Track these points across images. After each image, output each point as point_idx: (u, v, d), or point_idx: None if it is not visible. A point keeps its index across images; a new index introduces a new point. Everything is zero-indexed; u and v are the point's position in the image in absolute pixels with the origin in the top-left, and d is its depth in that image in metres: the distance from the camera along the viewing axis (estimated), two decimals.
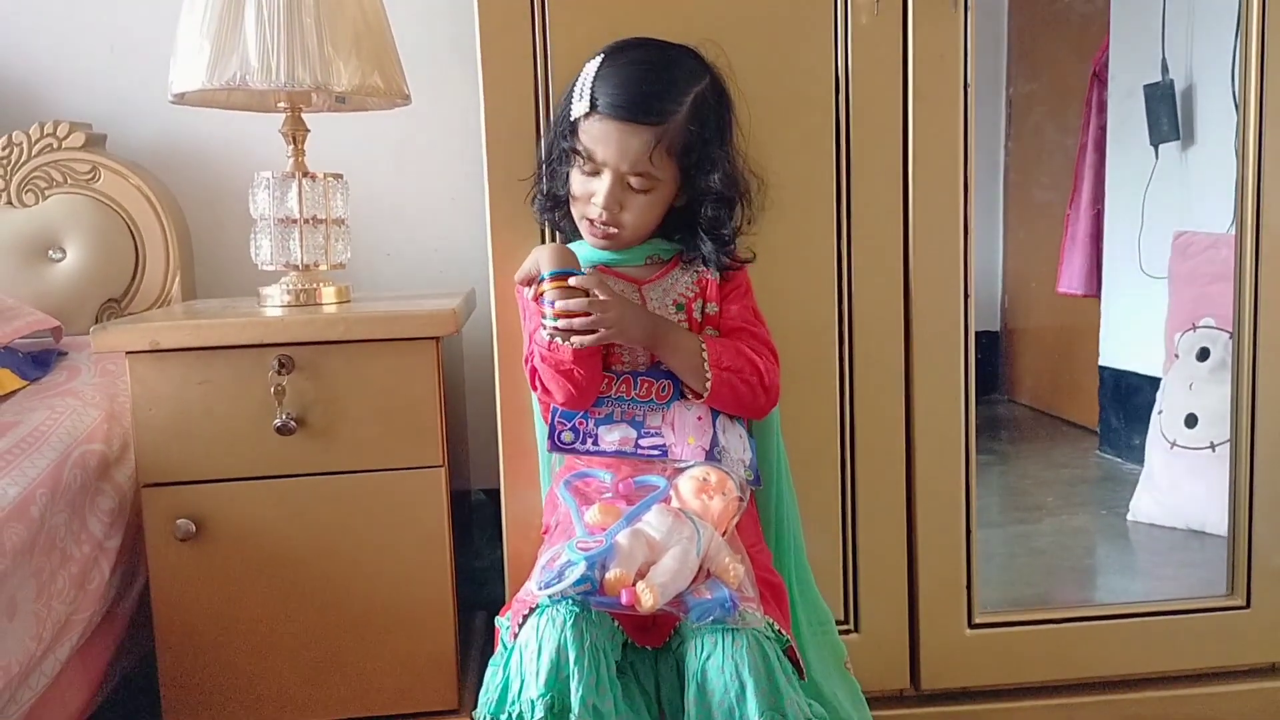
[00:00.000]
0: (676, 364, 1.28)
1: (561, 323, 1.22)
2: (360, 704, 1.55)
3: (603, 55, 1.26)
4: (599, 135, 1.23)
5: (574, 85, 1.26)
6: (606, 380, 1.29)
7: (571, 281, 1.23)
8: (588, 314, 1.21)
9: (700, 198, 1.28)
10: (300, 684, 1.53)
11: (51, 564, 1.36)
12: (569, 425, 1.29)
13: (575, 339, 1.22)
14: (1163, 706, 1.59)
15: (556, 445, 1.29)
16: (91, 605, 1.45)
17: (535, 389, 1.32)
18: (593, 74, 1.24)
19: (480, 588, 1.91)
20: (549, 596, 1.08)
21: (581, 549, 1.10)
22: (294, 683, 1.53)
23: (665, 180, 1.26)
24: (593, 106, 1.22)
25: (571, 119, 1.25)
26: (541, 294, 1.24)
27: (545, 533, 1.34)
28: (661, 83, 1.24)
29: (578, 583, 1.07)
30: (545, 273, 1.24)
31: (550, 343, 1.24)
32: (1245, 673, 1.62)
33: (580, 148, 1.24)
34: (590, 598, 1.08)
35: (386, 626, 1.54)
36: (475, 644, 1.74)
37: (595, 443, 1.28)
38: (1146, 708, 1.59)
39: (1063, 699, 1.58)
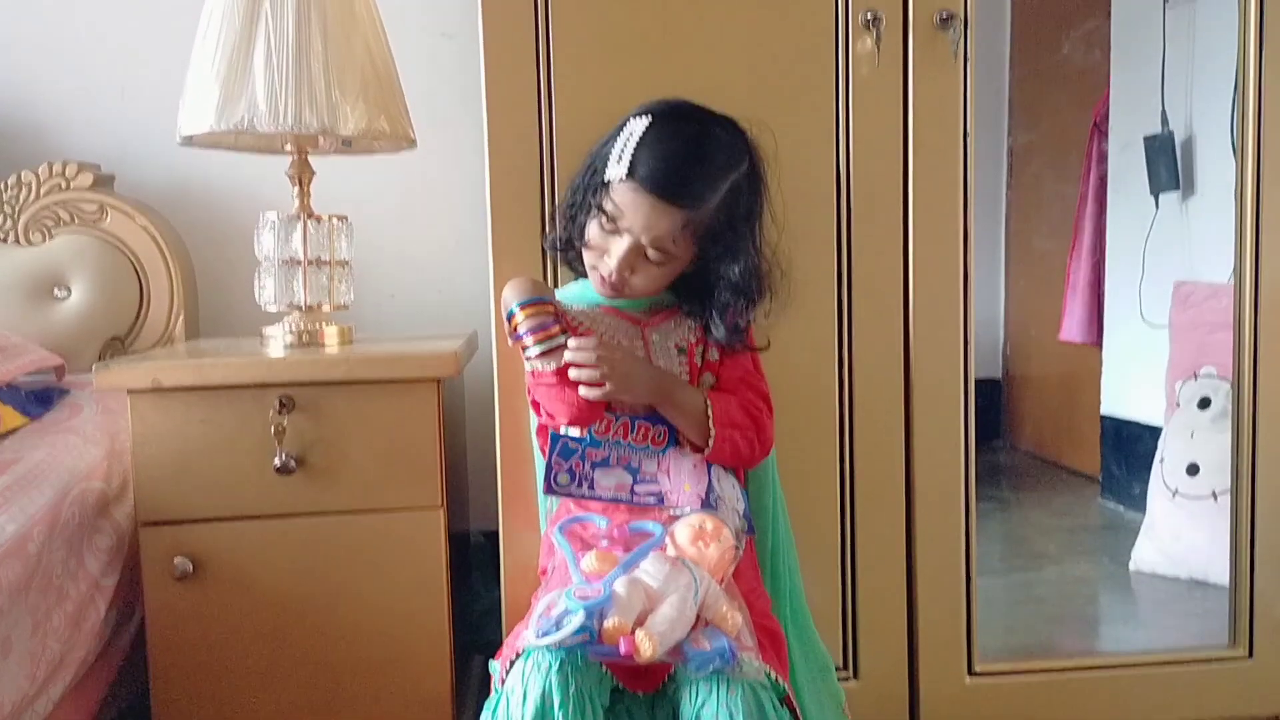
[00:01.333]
0: (680, 420, 1.28)
1: (542, 350, 1.24)
2: None
3: (650, 118, 1.23)
4: (630, 203, 1.22)
5: (614, 140, 1.24)
6: (605, 422, 1.29)
7: (578, 337, 1.25)
8: (595, 366, 1.22)
9: (717, 280, 1.28)
10: None
11: (48, 602, 1.35)
12: (565, 467, 1.29)
13: (584, 390, 1.23)
14: None
15: (552, 487, 1.29)
16: (87, 644, 1.44)
17: (541, 416, 1.32)
18: (637, 138, 1.22)
19: (478, 630, 1.89)
20: (549, 646, 1.08)
21: (580, 597, 1.09)
22: None
23: (681, 258, 1.26)
24: (630, 173, 1.21)
25: (606, 179, 1.24)
26: (516, 328, 1.25)
27: (543, 574, 1.34)
28: (703, 165, 1.22)
29: (577, 632, 1.06)
30: (514, 305, 1.26)
31: (534, 372, 1.26)
32: None
33: (608, 208, 1.23)
34: (589, 647, 1.07)
35: (383, 668, 1.53)
36: (472, 687, 1.72)
37: (591, 486, 1.28)
38: None
39: None
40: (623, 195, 1.22)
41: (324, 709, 1.52)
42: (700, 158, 1.22)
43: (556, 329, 1.25)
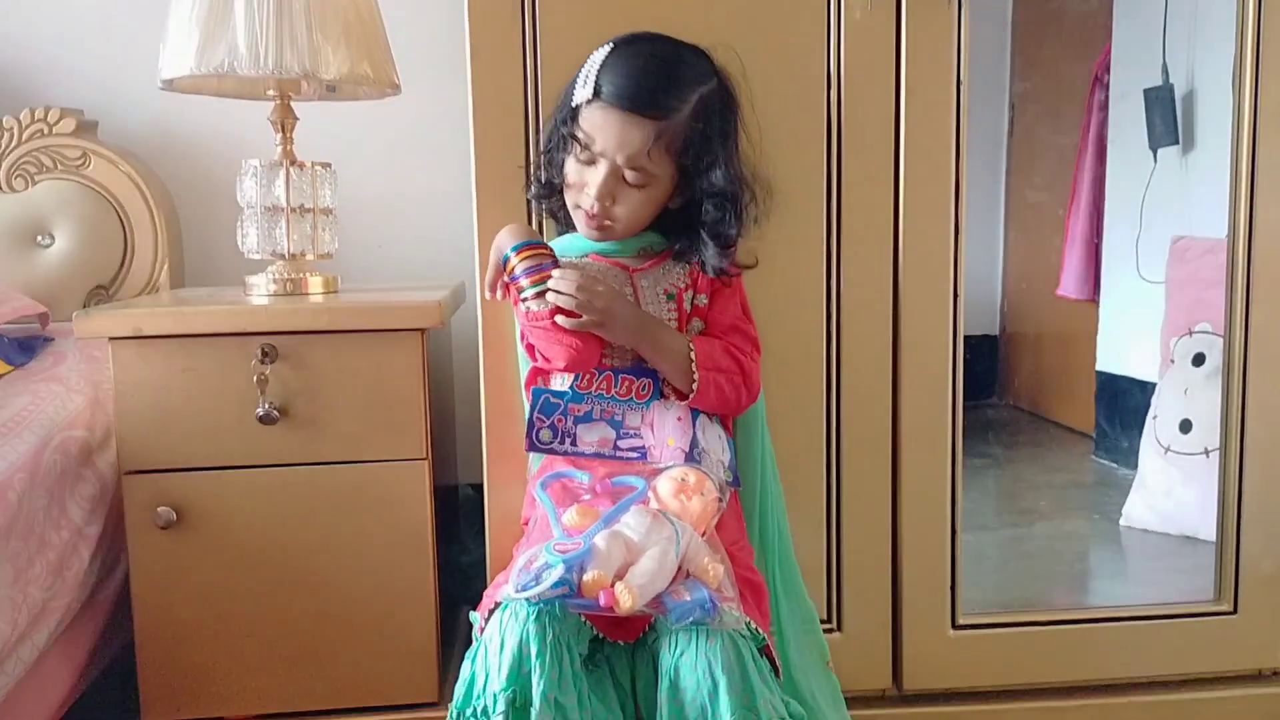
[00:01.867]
0: (663, 363, 1.27)
1: (538, 291, 1.23)
2: (341, 695, 1.54)
3: (612, 44, 1.25)
4: (599, 123, 1.22)
5: (580, 72, 1.25)
6: (588, 376, 1.28)
7: (561, 270, 1.23)
8: (574, 295, 1.21)
9: (700, 198, 1.27)
10: (281, 674, 1.52)
11: (29, 549, 1.35)
12: (547, 423, 1.27)
13: (561, 319, 1.22)
14: (1147, 712, 1.58)
15: (534, 444, 1.28)
16: (70, 592, 1.44)
17: (537, 360, 1.31)
18: (599, 61, 1.23)
19: (467, 582, 1.89)
20: (528, 600, 1.08)
21: (559, 551, 1.09)
22: (275, 673, 1.52)
23: (661, 177, 1.25)
24: (595, 93, 1.21)
25: (573, 104, 1.24)
26: (513, 271, 1.24)
27: (525, 524, 1.34)
28: (668, 78, 1.23)
29: (556, 585, 1.06)
30: (510, 249, 1.25)
31: (530, 313, 1.24)
32: (1231, 679, 1.61)
33: (579, 134, 1.23)
34: (568, 600, 1.07)
35: (368, 619, 1.53)
36: (460, 638, 1.73)
37: (574, 442, 1.27)
38: (1131, 712, 1.58)
39: (1046, 702, 1.57)
40: (591, 117, 1.22)
41: (310, 658, 1.53)
42: (665, 70, 1.22)
43: (552, 271, 1.24)
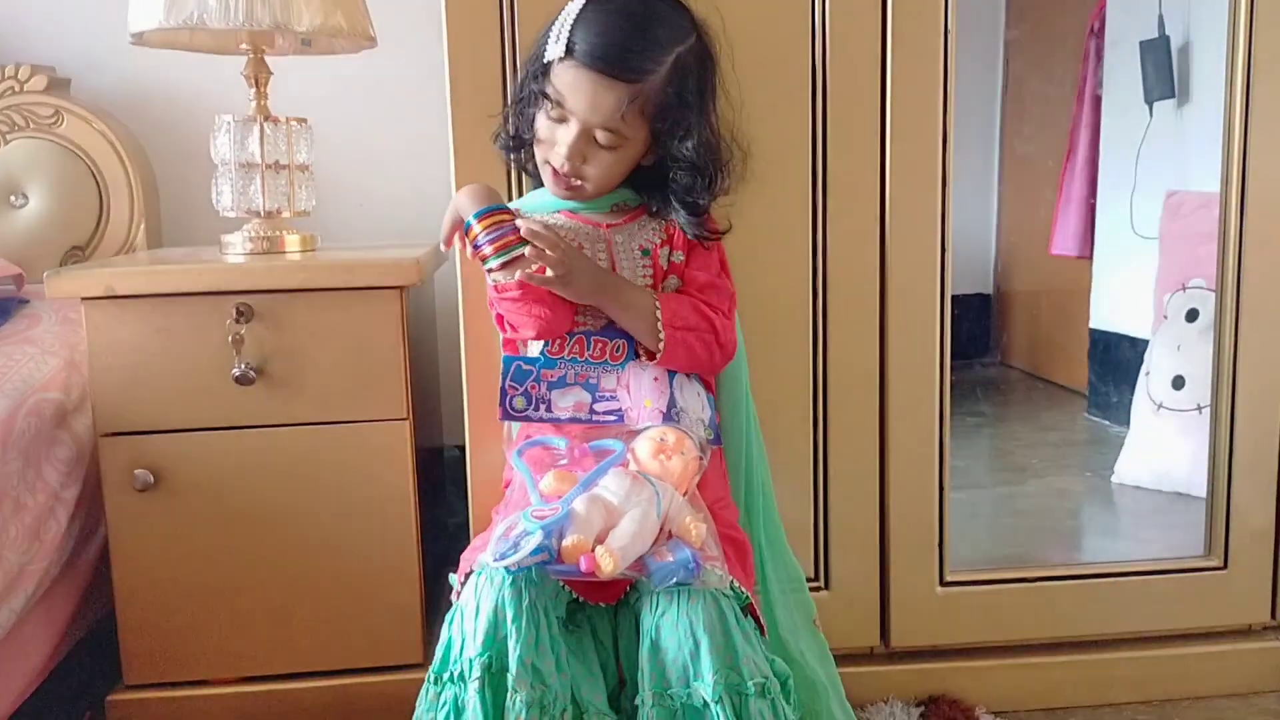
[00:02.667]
0: (629, 322, 1.24)
1: (502, 261, 1.18)
2: (325, 657, 1.53)
3: None
4: (571, 83, 1.18)
5: (552, 25, 1.20)
6: (558, 342, 1.25)
7: (519, 222, 1.19)
8: (536, 249, 1.17)
9: (672, 162, 1.23)
10: (264, 637, 1.51)
11: (3, 513, 1.33)
12: (520, 390, 1.24)
13: (521, 272, 1.18)
14: (1137, 666, 1.58)
15: (508, 412, 1.25)
16: (48, 556, 1.42)
17: (506, 331, 1.28)
18: (573, 16, 1.18)
19: (453, 544, 1.88)
20: (507, 569, 1.06)
21: (537, 517, 1.07)
22: (257, 636, 1.51)
23: (634, 139, 1.21)
24: (568, 51, 1.16)
25: (545, 60, 1.19)
26: (475, 239, 1.20)
27: (506, 486, 1.32)
28: (644, 39, 1.18)
29: (535, 552, 1.04)
30: (471, 216, 1.20)
31: (497, 285, 1.21)
32: (1221, 634, 1.61)
33: (550, 92, 1.19)
34: (549, 567, 1.06)
35: (352, 581, 1.52)
36: (445, 600, 1.71)
37: (549, 408, 1.24)
38: (1120, 668, 1.57)
39: (1035, 658, 1.57)
40: (563, 76, 1.17)
41: (293, 621, 1.52)
42: (641, 29, 1.17)
43: (514, 237, 1.20)
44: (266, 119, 1.56)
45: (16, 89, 1.82)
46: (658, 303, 1.22)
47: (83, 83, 1.92)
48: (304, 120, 1.61)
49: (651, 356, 1.24)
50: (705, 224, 1.27)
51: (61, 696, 1.59)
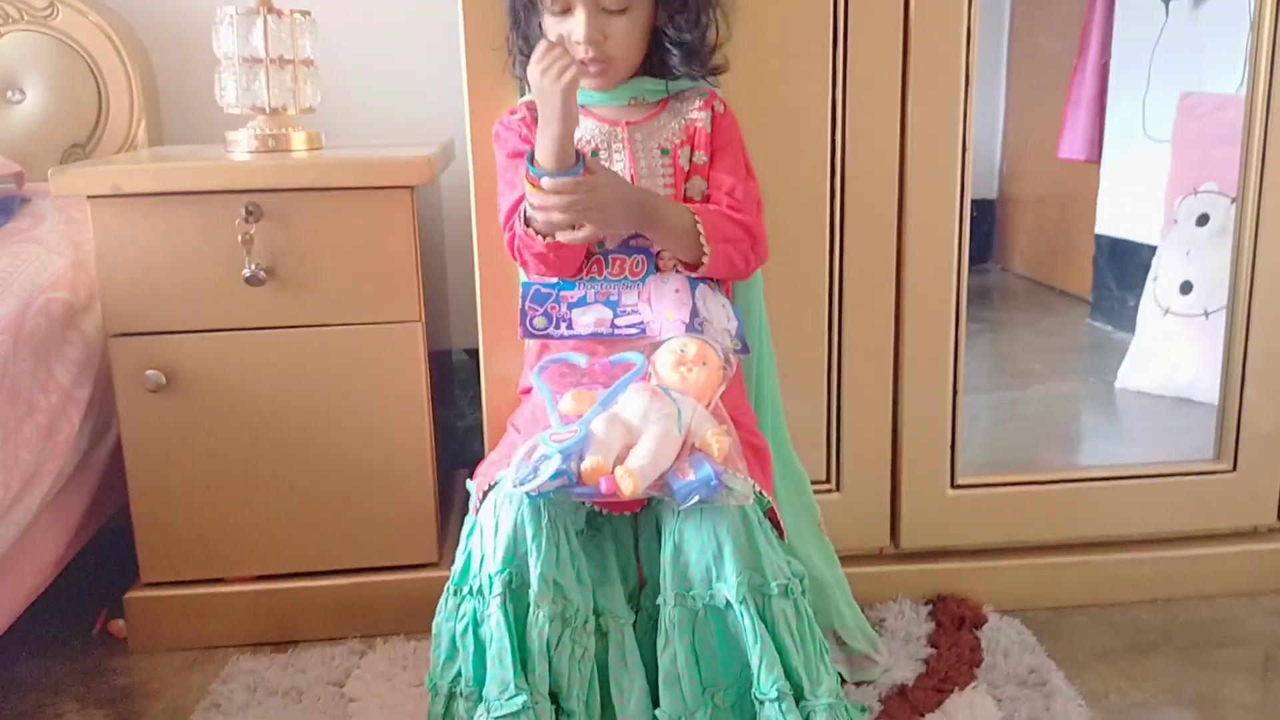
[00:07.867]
0: (669, 241, 1.22)
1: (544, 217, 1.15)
2: (341, 556, 1.54)
3: None
4: None
5: None
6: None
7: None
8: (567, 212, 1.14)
9: (666, 6, 1.21)
10: (280, 536, 1.52)
11: (17, 413, 1.33)
12: (541, 310, 1.23)
13: (561, 235, 1.15)
14: (1143, 567, 1.60)
15: (529, 331, 1.24)
16: (62, 455, 1.42)
17: (513, 257, 1.26)
18: None
19: (463, 446, 1.89)
20: (527, 494, 1.06)
21: (556, 441, 1.06)
22: (273, 535, 1.52)
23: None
24: None
25: None
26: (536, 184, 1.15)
27: (525, 393, 1.31)
28: None
29: (554, 476, 1.04)
30: (535, 168, 1.14)
31: (527, 231, 1.18)
32: (1227, 536, 1.62)
33: None
34: (570, 489, 1.06)
35: (367, 481, 1.52)
36: (457, 501, 1.73)
37: (570, 326, 1.23)
38: (1127, 568, 1.59)
39: (1044, 558, 1.58)
40: None
41: (309, 520, 1.52)
42: None
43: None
44: (270, 11, 1.52)
45: None
46: (698, 219, 1.20)
47: None
48: (308, 13, 1.56)
49: (690, 268, 1.22)
50: (703, 61, 1.24)
51: (78, 594, 1.61)
